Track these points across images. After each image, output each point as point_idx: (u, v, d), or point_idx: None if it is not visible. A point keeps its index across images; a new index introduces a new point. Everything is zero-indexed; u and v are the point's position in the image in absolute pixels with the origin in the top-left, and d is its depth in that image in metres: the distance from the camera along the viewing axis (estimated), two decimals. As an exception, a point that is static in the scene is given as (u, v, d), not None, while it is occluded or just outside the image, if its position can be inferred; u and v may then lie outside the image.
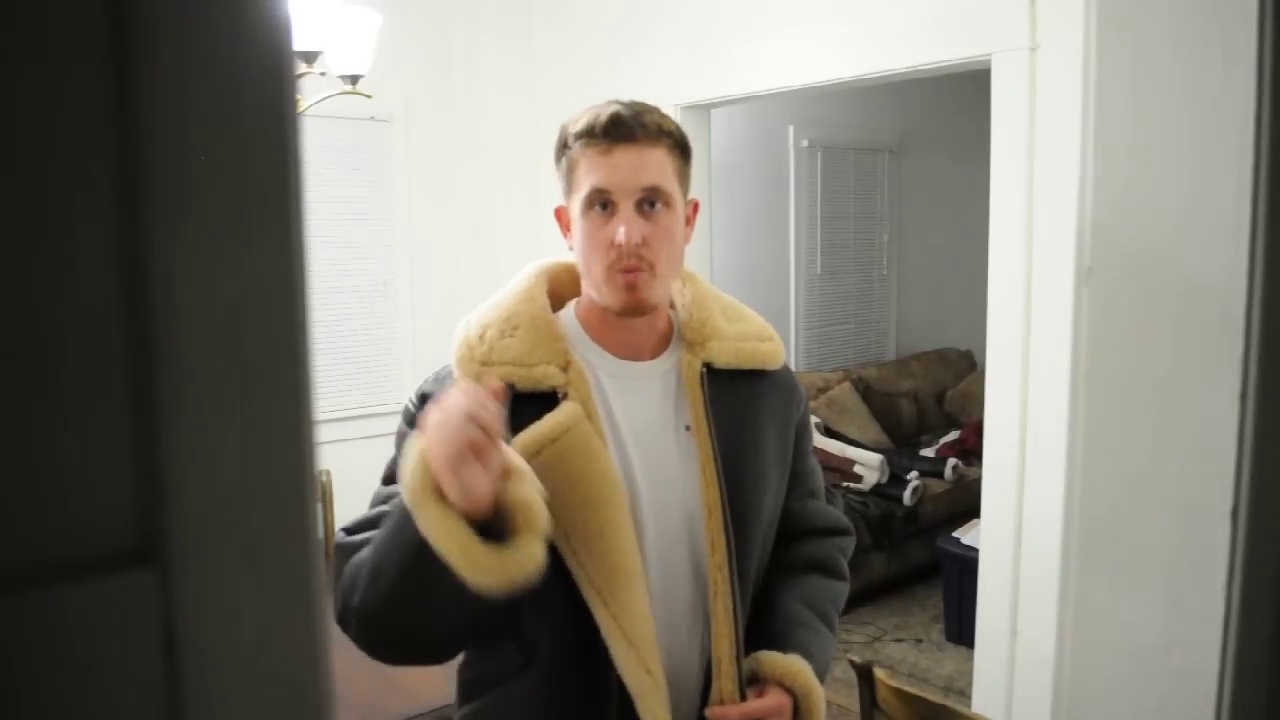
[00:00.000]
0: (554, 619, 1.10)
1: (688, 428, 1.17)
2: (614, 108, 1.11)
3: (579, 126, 1.11)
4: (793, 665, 1.15)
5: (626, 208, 1.09)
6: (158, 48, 0.27)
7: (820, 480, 1.34)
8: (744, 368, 1.20)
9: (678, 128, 1.15)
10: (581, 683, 1.11)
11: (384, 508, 1.11)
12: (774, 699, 1.13)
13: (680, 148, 1.15)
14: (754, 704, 1.13)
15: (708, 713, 1.12)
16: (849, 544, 1.34)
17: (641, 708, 1.09)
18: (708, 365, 1.17)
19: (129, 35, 0.26)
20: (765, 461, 1.20)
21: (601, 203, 1.09)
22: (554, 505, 1.06)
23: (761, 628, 1.20)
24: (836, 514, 1.34)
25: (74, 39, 0.26)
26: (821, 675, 1.19)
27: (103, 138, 0.27)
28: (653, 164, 1.10)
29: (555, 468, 1.07)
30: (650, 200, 1.10)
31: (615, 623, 1.07)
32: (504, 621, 1.11)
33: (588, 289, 1.16)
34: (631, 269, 1.09)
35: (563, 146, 1.14)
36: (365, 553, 1.06)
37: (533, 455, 1.07)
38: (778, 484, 1.23)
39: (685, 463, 1.15)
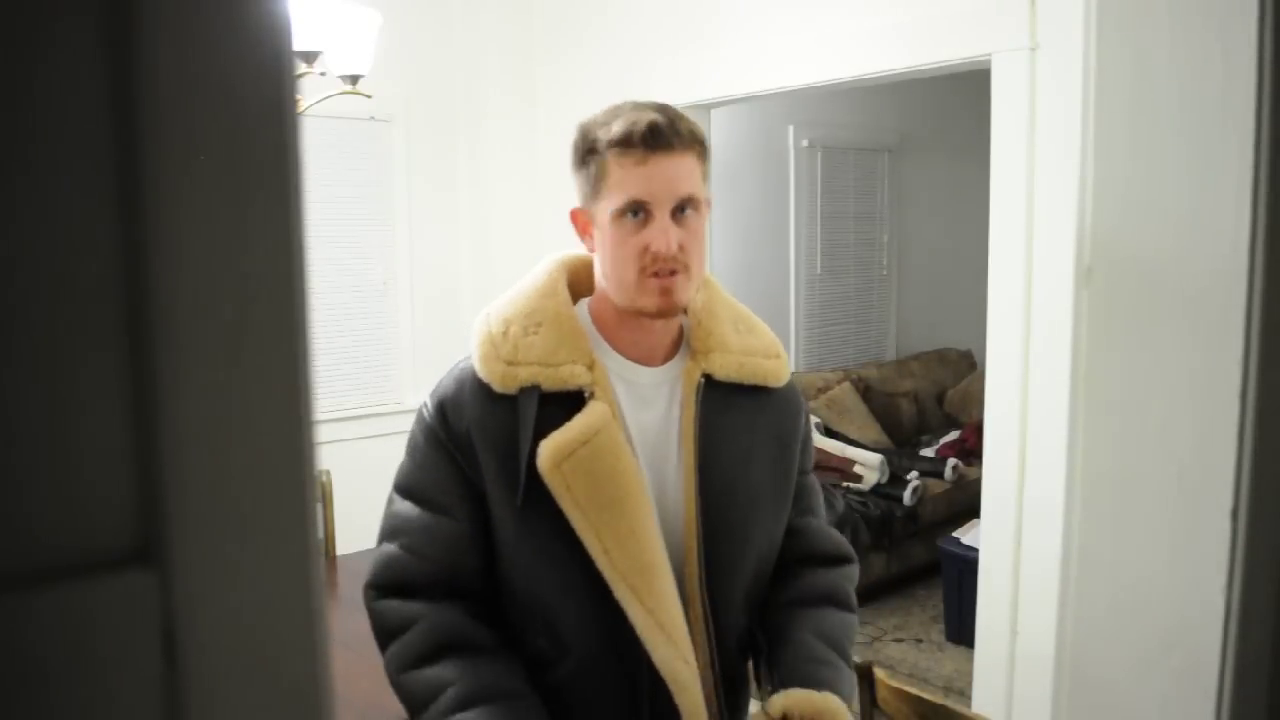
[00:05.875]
0: (580, 619, 1.11)
1: None
2: (650, 115, 1.09)
3: (614, 134, 1.08)
4: (829, 703, 1.12)
5: (662, 216, 1.08)
6: (157, 47, 0.27)
7: (820, 499, 1.33)
8: (745, 382, 1.19)
9: (702, 130, 1.15)
10: (612, 681, 1.11)
11: (396, 555, 1.13)
12: None
13: (705, 151, 1.15)
14: None
15: None
16: (855, 573, 1.32)
17: (682, 699, 1.09)
18: (707, 376, 1.16)
19: (128, 35, 0.26)
20: (754, 481, 1.18)
21: (635, 210, 1.08)
22: (586, 505, 1.07)
23: (785, 665, 1.18)
24: (840, 539, 1.33)
25: (73, 39, 0.26)
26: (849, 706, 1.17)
27: (102, 137, 0.27)
28: (686, 172, 1.10)
29: (587, 469, 1.07)
30: (682, 207, 1.10)
31: (651, 617, 1.07)
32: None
33: (609, 293, 1.15)
34: (671, 272, 1.09)
35: (590, 151, 1.11)
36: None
37: (565, 457, 1.06)
38: (773, 503, 1.21)
39: (680, 471, 1.15)
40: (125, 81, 0.26)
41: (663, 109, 1.11)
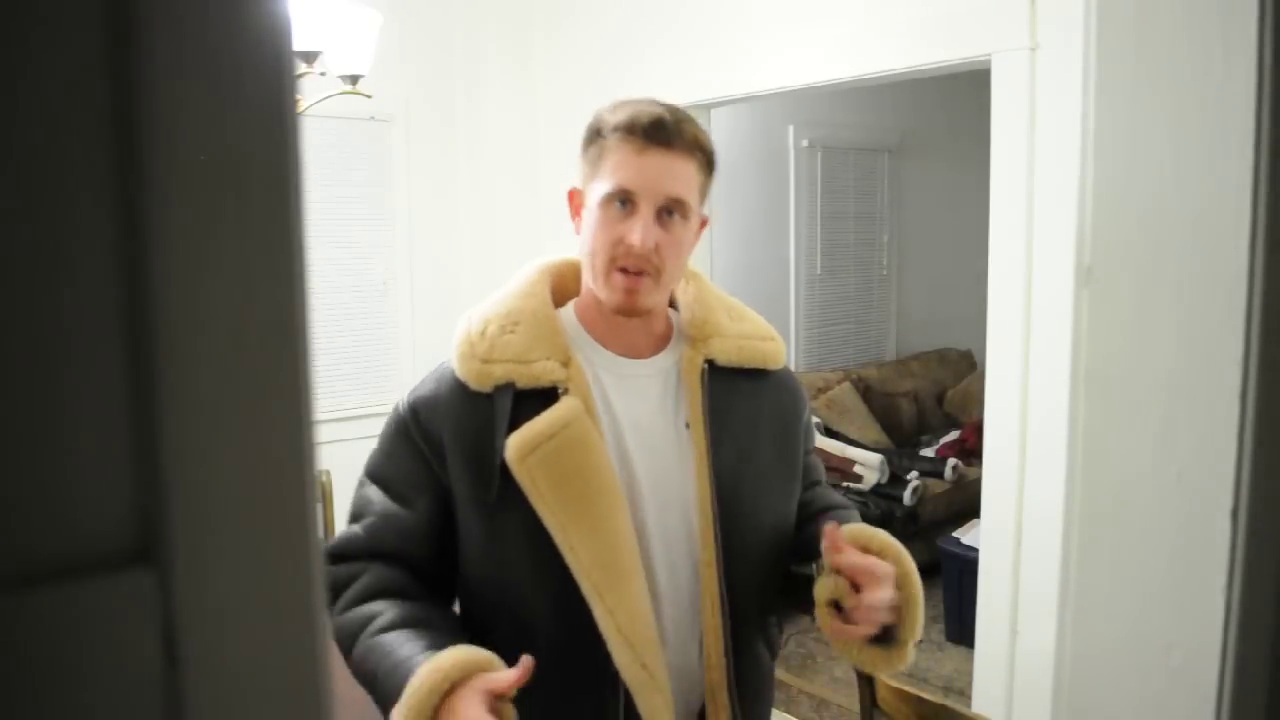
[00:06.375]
0: (550, 615, 1.11)
1: (687, 425, 1.17)
2: (658, 110, 1.11)
3: (619, 119, 1.11)
4: (877, 537, 1.12)
5: (647, 211, 1.09)
6: (157, 48, 0.27)
7: (823, 471, 1.36)
8: (746, 366, 1.20)
9: (710, 142, 1.15)
10: (583, 675, 1.12)
11: (355, 533, 1.15)
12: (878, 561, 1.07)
13: (709, 164, 1.15)
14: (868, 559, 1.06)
15: (826, 530, 1.05)
16: (857, 515, 1.32)
17: (640, 702, 1.09)
18: (710, 362, 1.17)
19: (128, 35, 0.26)
20: (763, 461, 1.20)
21: (623, 200, 1.09)
22: (551, 499, 1.08)
23: (808, 542, 1.17)
24: (840, 496, 1.36)
25: (72, 39, 0.26)
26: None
27: (102, 138, 0.27)
28: (681, 174, 1.10)
29: (553, 463, 1.08)
30: (670, 209, 1.10)
31: (611, 618, 1.08)
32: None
33: (586, 279, 1.16)
34: (638, 271, 1.10)
35: (596, 133, 1.14)
36: (360, 644, 1.10)
37: (530, 451, 1.08)
38: (781, 484, 1.23)
39: (684, 460, 1.16)
40: (125, 81, 0.26)
41: (673, 110, 1.13)
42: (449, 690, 0.97)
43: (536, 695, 1.13)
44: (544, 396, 1.11)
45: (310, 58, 2.41)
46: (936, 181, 5.59)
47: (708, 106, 3.15)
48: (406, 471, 1.15)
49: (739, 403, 1.19)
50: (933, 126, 5.53)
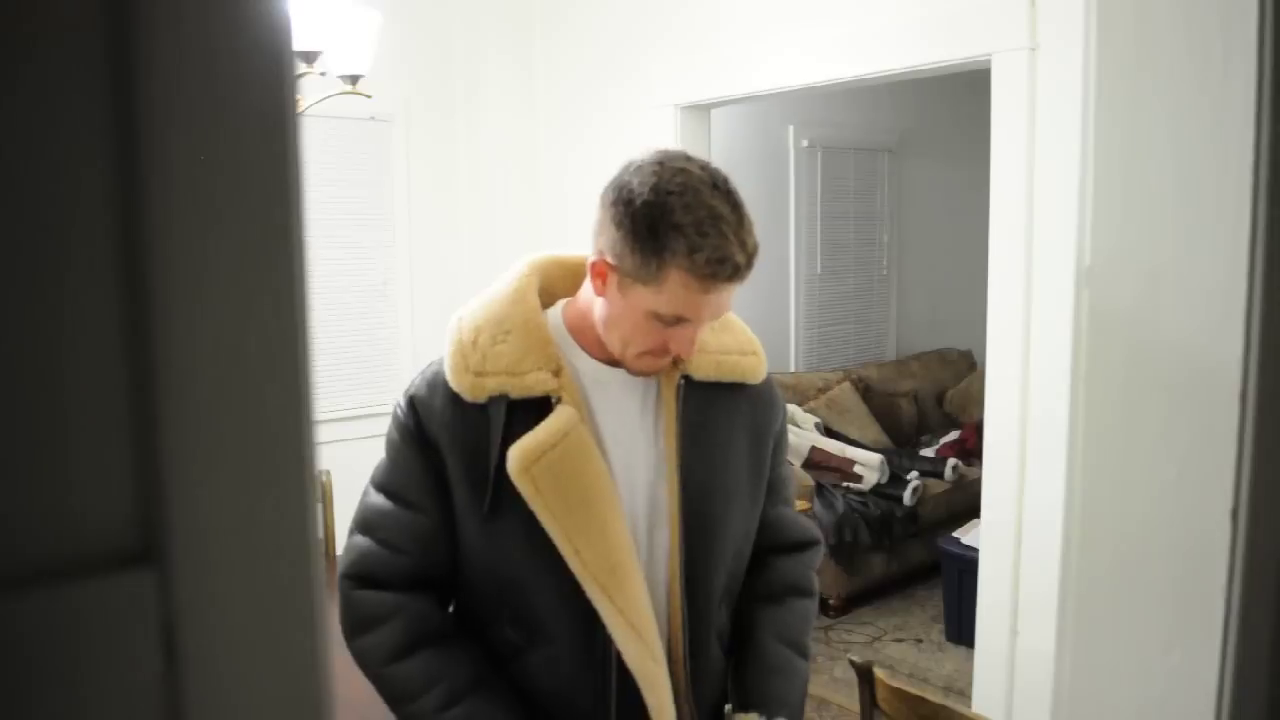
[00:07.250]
0: (549, 616, 1.13)
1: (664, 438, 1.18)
2: (737, 255, 1.04)
3: (698, 264, 1.03)
4: None
5: (695, 327, 1.10)
6: (157, 48, 0.27)
7: (792, 488, 1.37)
8: (723, 380, 1.21)
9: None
10: (580, 674, 1.14)
11: (370, 549, 1.16)
12: None
13: None
14: None
15: None
16: (818, 555, 1.37)
17: (650, 697, 1.12)
18: (686, 377, 1.18)
19: (128, 35, 0.26)
20: (734, 475, 1.21)
21: (676, 320, 1.09)
22: (555, 507, 1.09)
23: (741, 672, 1.23)
24: (804, 524, 1.37)
25: (73, 39, 0.26)
26: (799, 712, 1.24)
27: (103, 138, 0.27)
28: (731, 295, 1.10)
29: (556, 471, 1.09)
30: None
31: (621, 616, 1.10)
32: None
33: (602, 336, 1.14)
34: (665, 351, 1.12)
35: (657, 240, 1.03)
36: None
37: (533, 461, 1.09)
38: (751, 497, 1.24)
39: (659, 472, 1.17)
40: (125, 82, 0.27)
41: (742, 236, 1.05)
42: None
43: (530, 689, 1.15)
44: (537, 406, 1.12)
45: (310, 58, 2.40)
46: (936, 181, 5.59)
47: (708, 106, 3.14)
48: (416, 475, 1.15)
49: (716, 417, 1.20)
50: (933, 126, 5.53)
